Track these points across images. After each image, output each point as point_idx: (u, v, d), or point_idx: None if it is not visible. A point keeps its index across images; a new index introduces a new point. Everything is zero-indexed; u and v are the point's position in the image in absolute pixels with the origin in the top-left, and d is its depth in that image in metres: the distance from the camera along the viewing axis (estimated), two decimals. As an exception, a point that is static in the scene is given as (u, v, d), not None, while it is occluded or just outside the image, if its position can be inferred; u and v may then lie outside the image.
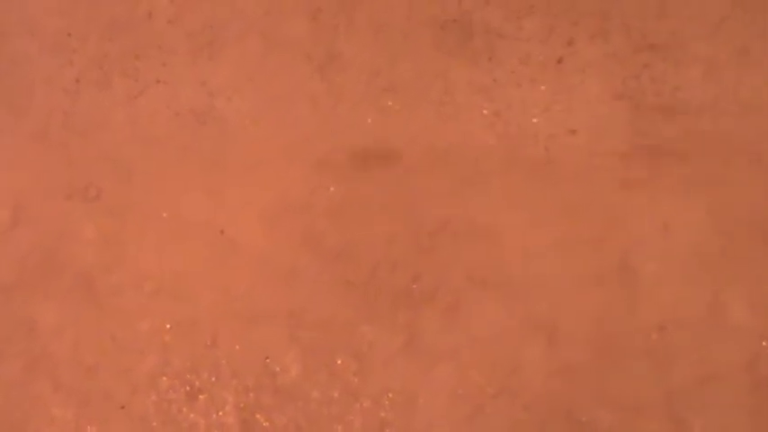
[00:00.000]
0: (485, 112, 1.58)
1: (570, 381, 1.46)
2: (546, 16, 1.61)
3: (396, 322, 1.49)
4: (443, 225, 1.53)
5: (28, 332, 1.49)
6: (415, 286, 1.51)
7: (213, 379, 1.47)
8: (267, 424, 1.45)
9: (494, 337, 1.48)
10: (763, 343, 1.46)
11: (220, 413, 1.45)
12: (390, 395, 1.46)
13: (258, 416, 1.45)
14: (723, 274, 1.50)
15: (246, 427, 1.44)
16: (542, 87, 1.59)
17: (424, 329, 1.49)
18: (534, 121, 1.58)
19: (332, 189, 1.56)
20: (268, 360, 1.47)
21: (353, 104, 1.59)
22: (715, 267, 1.51)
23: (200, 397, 1.46)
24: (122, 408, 1.45)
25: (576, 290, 1.50)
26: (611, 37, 1.60)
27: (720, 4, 1.58)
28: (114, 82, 1.59)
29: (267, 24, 1.62)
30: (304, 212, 1.54)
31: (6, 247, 1.53)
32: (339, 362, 1.47)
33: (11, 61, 1.59)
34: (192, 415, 1.45)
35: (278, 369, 1.47)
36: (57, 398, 1.45)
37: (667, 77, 1.58)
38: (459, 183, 1.55)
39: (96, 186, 1.55)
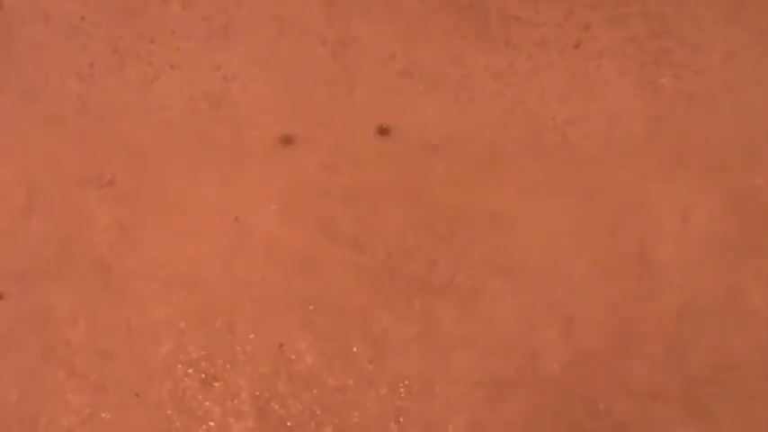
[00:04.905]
0: (501, 97, 1.57)
1: (587, 368, 1.45)
2: (562, 0, 1.60)
3: (412, 309, 1.48)
4: (460, 211, 1.52)
5: (42, 319, 1.48)
6: (431, 273, 1.50)
7: (228, 366, 1.46)
8: (282, 411, 1.44)
9: (510, 324, 1.47)
10: (784, 330, 1.45)
11: (235, 401, 1.45)
12: (406, 382, 1.45)
13: (273, 403, 1.44)
14: (742, 261, 1.49)
15: (262, 414, 1.44)
16: (559, 72, 1.57)
17: (440, 316, 1.48)
18: (551, 106, 1.56)
19: (347, 175, 1.55)
20: (283, 347, 1.47)
21: (369, 89, 1.57)
22: (734, 254, 1.50)
23: (216, 384, 1.45)
24: (137, 395, 1.45)
25: (593, 277, 1.49)
26: (628, 21, 1.58)
27: (740, -13, 1.57)
28: (128, 67, 1.58)
29: (281, 8, 1.60)
30: (319, 199, 1.53)
31: (20, 235, 1.52)
32: (355, 349, 1.47)
33: (24, 46, 1.58)
34: (207, 403, 1.45)
35: (293, 356, 1.46)
36: (71, 385, 1.45)
37: (687, 62, 1.56)
38: (476, 169, 1.54)
39: (110, 172, 1.55)
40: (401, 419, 1.44)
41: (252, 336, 1.48)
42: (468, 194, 1.53)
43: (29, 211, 1.53)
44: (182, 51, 1.59)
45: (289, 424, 1.43)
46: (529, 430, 1.43)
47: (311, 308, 1.48)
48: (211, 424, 1.44)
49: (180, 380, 1.46)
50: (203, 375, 1.46)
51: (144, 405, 1.44)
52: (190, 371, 1.46)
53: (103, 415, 1.44)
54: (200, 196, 1.54)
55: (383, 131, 1.55)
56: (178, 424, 1.44)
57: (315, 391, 1.45)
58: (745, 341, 1.46)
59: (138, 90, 1.57)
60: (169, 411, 1.44)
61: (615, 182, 1.53)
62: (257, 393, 1.45)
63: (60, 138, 1.56)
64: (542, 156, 1.54)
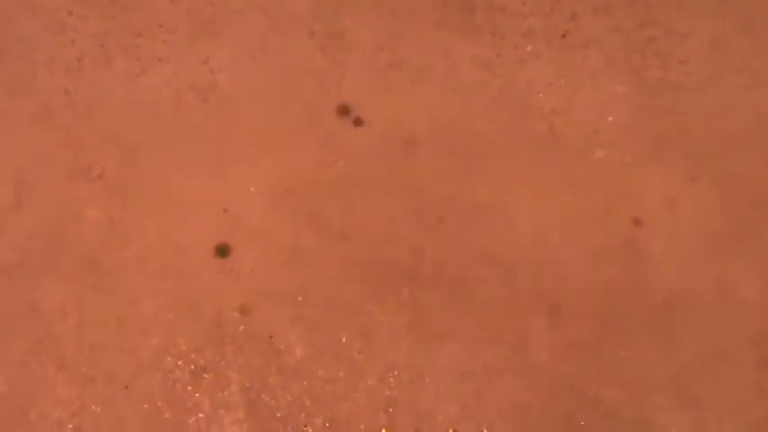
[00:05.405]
0: (488, 87, 1.57)
1: (576, 357, 1.45)
2: (549, -9, 1.61)
3: (400, 300, 1.48)
4: (448, 201, 1.53)
5: (32, 313, 1.48)
6: (418, 263, 1.50)
7: (218, 358, 1.46)
8: (273, 403, 1.44)
9: (499, 313, 1.48)
10: (771, 316, 1.45)
11: (225, 392, 1.45)
12: (396, 373, 1.45)
13: (263, 395, 1.44)
14: (730, 249, 1.50)
15: (252, 406, 1.44)
16: (546, 62, 1.58)
17: (429, 307, 1.48)
18: (539, 96, 1.57)
19: (336, 167, 1.55)
20: (272, 339, 1.47)
21: (357, 81, 1.58)
22: (722, 243, 1.50)
23: (205, 376, 1.45)
24: (127, 387, 1.45)
25: (582, 266, 1.49)
26: (614, 11, 1.59)
27: (725, -24, 1.57)
28: (116, 60, 1.58)
29: (269, 1, 1.61)
30: (308, 190, 1.54)
31: (9, 228, 1.52)
32: (344, 340, 1.47)
33: (13, 41, 1.59)
34: (197, 394, 1.45)
35: (283, 348, 1.47)
36: (61, 378, 1.45)
37: (672, 51, 1.57)
38: (464, 159, 1.55)
39: (99, 165, 1.55)
40: (390, 410, 1.44)
41: (241, 328, 1.48)
42: (456, 184, 1.53)
43: (17, 205, 1.53)
44: (169, 44, 1.59)
45: (278, 415, 1.43)
46: (518, 419, 1.43)
47: (300, 299, 1.49)
48: (201, 415, 1.44)
49: (169, 372, 1.46)
50: (193, 367, 1.46)
51: (133, 397, 1.44)
52: (179, 363, 1.46)
53: (93, 407, 1.44)
54: (189, 189, 1.54)
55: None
56: (168, 416, 1.44)
57: (304, 382, 1.45)
58: (733, 330, 1.46)
59: (126, 83, 1.58)
60: (159, 403, 1.44)
61: (602, 171, 1.53)
62: (247, 385, 1.45)
63: (49, 132, 1.56)
64: (529, 145, 1.55)
